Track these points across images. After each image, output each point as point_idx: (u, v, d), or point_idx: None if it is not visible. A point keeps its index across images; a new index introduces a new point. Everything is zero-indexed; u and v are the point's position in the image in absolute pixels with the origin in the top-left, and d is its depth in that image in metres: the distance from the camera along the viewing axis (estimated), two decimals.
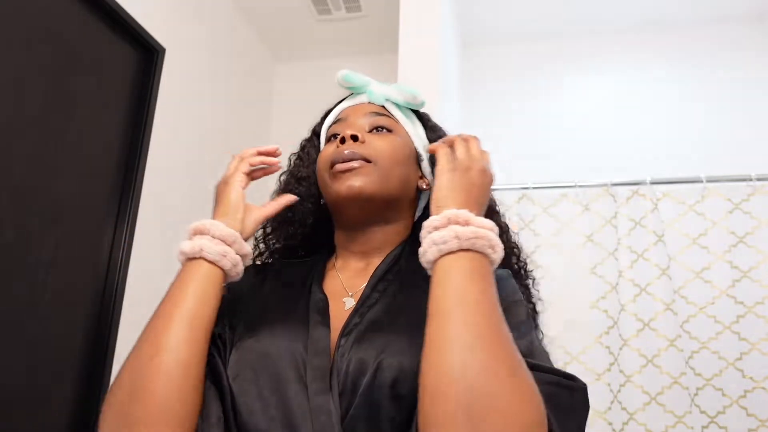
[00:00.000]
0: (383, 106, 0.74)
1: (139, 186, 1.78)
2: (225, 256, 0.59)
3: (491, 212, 0.73)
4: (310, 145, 0.80)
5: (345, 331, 0.59)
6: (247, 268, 0.68)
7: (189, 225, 0.62)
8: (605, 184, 1.80)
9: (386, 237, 0.71)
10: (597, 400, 1.61)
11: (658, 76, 2.52)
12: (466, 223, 0.54)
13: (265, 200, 0.73)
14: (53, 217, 1.49)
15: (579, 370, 1.65)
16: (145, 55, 1.87)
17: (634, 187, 1.76)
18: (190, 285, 0.57)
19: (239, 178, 0.68)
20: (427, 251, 0.54)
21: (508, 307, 0.57)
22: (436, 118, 0.81)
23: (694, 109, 2.43)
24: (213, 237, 0.60)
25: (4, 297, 1.33)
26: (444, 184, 0.60)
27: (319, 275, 0.71)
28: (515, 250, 0.78)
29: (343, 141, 0.68)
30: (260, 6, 2.55)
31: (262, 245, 0.78)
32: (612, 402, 1.59)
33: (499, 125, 2.60)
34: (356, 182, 0.66)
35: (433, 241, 0.54)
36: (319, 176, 0.72)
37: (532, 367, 0.49)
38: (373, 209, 0.69)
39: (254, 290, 0.70)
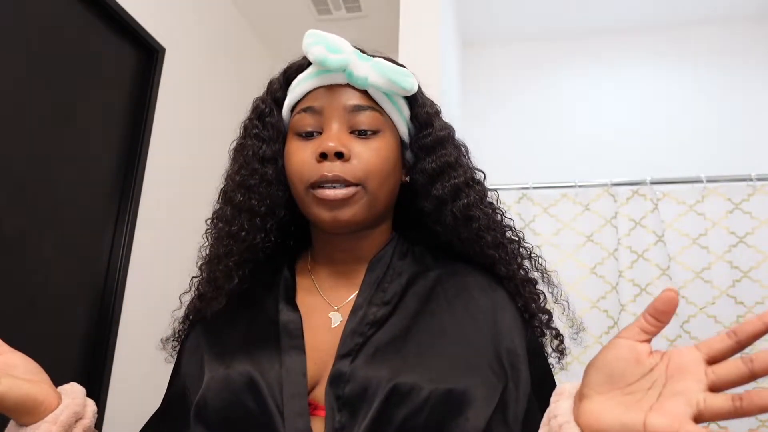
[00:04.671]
0: (365, 90, 0.60)
1: (139, 186, 1.77)
2: None
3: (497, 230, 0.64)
4: (271, 116, 0.65)
5: (342, 354, 0.53)
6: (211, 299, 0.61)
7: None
8: (605, 184, 1.80)
9: (372, 241, 0.64)
10: None
11: (658, 76, 2.52)
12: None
13: (201, 201, 0.65)
14: (53, 217, 1.49)
15: (579, 370, 1.65)
16: (145, 55, 1.87)
17: (634, 187, 1.75)
18: None
19: None
20: None
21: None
22: None
23: (694, 109, 2.43)
24: None
25: (4, 297, 1.33)
26: None
27: (288, 287, 0.62)
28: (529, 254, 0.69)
29: (324, 155, 0.56)
30: (260, 6, 2.55)
31: (222, 267, 0.60)
32: None
33: (499, 125, 2.60)
34: (343, 215, 0.57)
35: None
36: (293, 184, 0.60)
37: None
38: (360, 228, 0.61)
39: (222, 317, 0.62)
